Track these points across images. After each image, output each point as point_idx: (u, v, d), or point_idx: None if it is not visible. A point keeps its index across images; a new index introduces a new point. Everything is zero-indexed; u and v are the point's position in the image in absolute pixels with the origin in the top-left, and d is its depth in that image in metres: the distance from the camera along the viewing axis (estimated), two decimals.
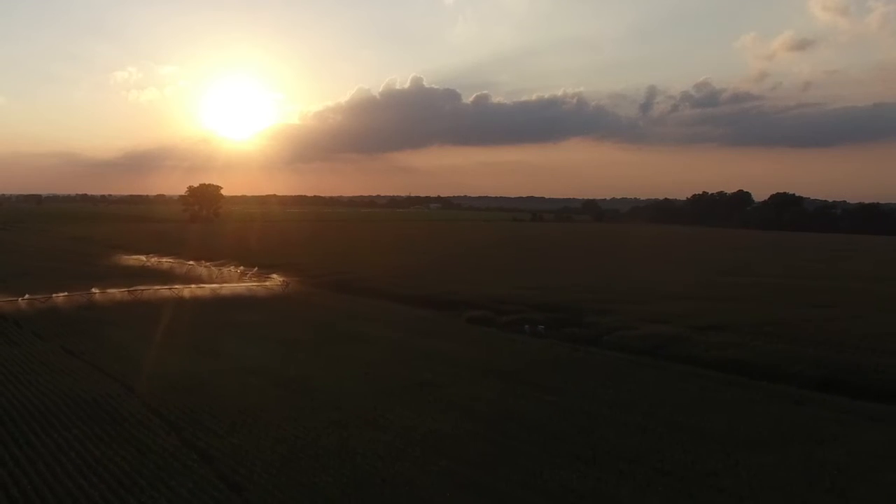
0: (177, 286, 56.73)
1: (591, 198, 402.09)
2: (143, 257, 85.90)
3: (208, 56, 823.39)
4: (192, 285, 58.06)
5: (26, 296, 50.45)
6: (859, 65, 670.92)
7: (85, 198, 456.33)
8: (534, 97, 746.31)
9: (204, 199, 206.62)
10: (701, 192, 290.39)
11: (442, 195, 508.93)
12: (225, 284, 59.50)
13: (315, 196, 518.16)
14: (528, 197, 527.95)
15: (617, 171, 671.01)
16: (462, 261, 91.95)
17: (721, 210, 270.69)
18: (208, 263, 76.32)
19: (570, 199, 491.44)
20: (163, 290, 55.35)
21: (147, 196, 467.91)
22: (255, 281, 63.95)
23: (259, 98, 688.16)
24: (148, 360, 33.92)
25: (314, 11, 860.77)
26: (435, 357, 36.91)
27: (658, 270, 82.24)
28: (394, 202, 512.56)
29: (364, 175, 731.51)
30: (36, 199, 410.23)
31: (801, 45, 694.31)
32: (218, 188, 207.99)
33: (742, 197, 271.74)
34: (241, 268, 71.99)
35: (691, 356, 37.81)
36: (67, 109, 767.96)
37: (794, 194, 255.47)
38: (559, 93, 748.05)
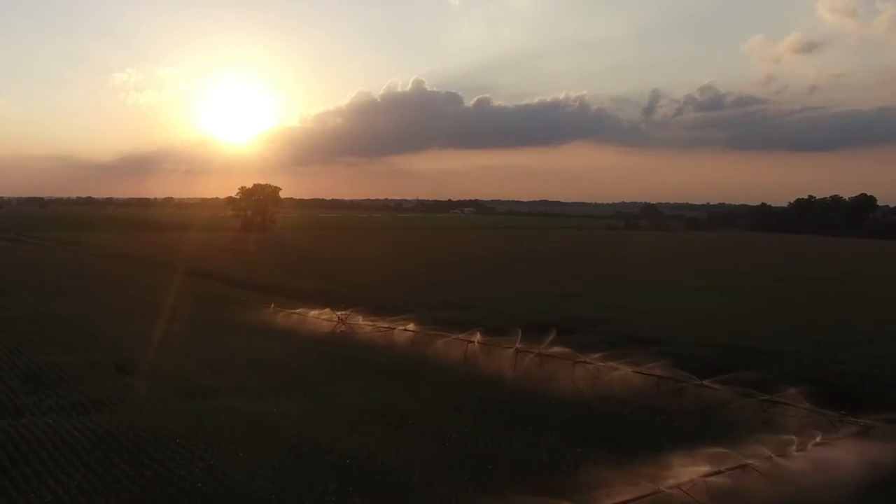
0: None
1: (597, 202, 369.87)
2: (299, 310, 47.58)
3: (207, 58, 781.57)
4: None
5: None
6: (865, 68, 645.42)
7: (90, 201, 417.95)
8: (536, 100, 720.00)
9: (258, 202, 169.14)
10: (807, 197, 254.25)
11: (452, 199, 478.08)
12: None
13: (333, 200, 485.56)
14: (540, 201, 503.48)
15: (618, 174, 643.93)
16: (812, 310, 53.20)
17: (837, 217, 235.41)
18: (467, 337, 37.92)
19: (582, 202, 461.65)
20: None
21: (154, 199, 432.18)
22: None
23: (258, 100, 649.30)
24: None
25: (315, 13, 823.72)
26: None
27: None
28: (422, 206, 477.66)
29: (363, 178, 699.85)
30: (38, 203, 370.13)
31: (808, 48, 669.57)
32: (276, 190, 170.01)
33: (864, 202, 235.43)
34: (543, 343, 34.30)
35: None
36: (66, 111, 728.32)
37: None
38: (561, 96, 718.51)
